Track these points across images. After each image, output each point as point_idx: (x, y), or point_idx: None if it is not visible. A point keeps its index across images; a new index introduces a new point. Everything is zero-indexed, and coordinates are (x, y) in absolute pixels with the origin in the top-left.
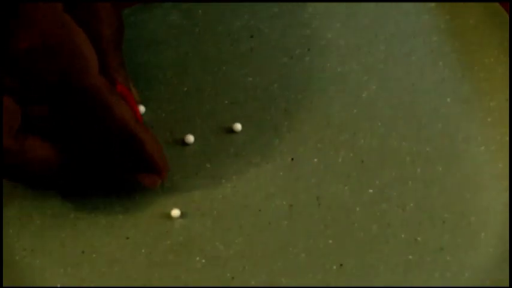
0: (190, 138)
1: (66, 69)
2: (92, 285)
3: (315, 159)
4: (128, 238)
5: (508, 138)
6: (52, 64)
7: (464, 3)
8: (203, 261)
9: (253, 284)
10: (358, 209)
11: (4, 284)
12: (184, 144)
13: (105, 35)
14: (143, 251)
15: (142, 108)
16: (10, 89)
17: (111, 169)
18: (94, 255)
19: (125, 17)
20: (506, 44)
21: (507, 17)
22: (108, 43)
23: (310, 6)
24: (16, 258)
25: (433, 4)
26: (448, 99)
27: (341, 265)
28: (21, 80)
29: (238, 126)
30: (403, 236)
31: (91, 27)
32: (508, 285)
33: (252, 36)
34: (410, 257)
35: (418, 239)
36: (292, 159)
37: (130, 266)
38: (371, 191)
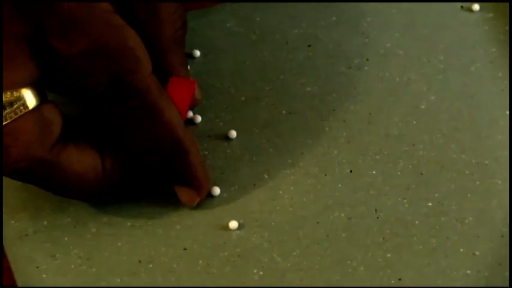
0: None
1: (116, 71)
2: None
3: (374, 171)
4: (185, 249)
5: None
6: (103, 66)
7: None
8: (261, 273)
9: None
10: (416, 222)
11: None
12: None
13: (165, 33)
14: (200, 262)
15: (198, 118)
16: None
17: (153, 178)
18: (151, 265)
19: None
20: None
21: None
22: (170, 41)
23: (369, 15)
24: (72, 266)
25: (491, 15)
26: (507, 111)
27: (399, 279)
28: (73, 83)
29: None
30: (461, 250)
31: (150, 27)
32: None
33: (309, 45)
34: (468, 271)
35: (477, 253)
36: (351, 171)
37: (187, 277)
38: (430, 203)
